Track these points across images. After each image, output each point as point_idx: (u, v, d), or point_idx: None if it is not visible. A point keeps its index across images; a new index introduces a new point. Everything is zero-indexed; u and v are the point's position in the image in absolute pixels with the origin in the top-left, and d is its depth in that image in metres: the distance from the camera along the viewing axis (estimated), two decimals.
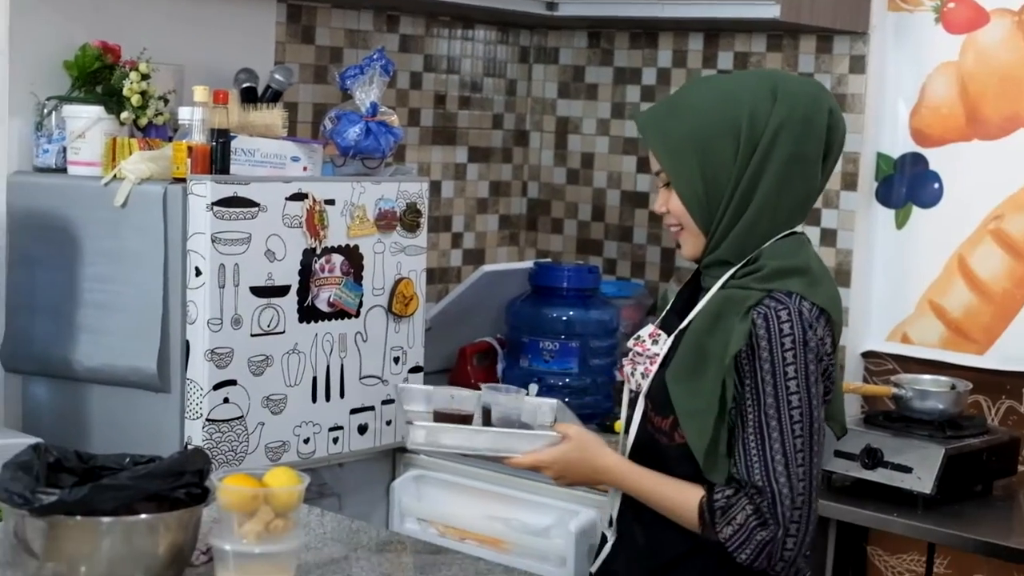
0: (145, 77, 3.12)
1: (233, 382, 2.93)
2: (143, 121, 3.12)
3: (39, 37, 3.15)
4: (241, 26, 3.56)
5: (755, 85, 2.28)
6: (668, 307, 2.44)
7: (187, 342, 2.90)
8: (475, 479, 3.27)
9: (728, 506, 2.18)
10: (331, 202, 3.11)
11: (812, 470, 2.19)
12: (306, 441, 3.10)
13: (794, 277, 2.23)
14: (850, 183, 3.82)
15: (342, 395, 3.16)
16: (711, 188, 2.26)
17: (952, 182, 3.70)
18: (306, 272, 3.05)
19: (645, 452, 2.33)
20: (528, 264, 3.82)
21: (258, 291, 2.97)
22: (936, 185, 3.73)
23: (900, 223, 3.79)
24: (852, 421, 3.39)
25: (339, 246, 3.13)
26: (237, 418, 2.95)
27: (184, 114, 3.00)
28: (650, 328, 2.38)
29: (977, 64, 3.65)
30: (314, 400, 3.11)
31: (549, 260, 4.15)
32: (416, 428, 2.38)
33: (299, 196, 3.04)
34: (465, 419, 2.51)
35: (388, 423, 3.27)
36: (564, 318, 3.65)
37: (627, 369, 2.38)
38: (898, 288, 3.79)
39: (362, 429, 3.22)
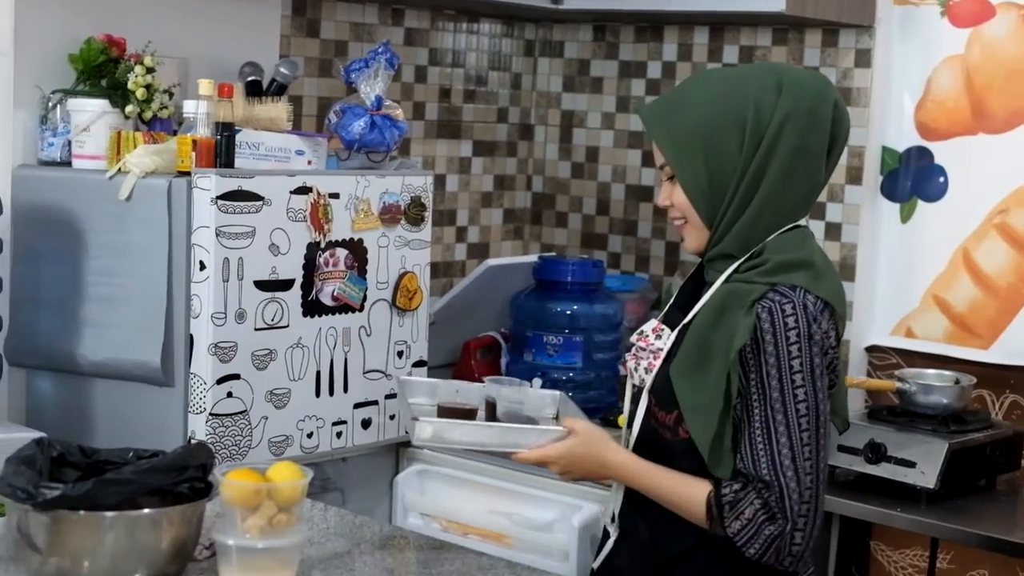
0: (150, 70, 3.12)
1: (237, 376, 2.93)
2: (148, 114, 3.12)
3: (44, 31, 3.15)
4: (246, 19, 3.56)
5: (760, 78, 2.28)
6: (671, 302, 2.44)
7: (191, 336, 2.90)
8: (478, 474, 3.27)
9: (736, 501, 2.18)
10: (335, 196, 3.11)
11: (819, 464, 2.19)
12: (309, 435, 3.10)
13: (798, 271, 2.23)
14: (855, 177, 3.82)
15: (345, 389, 3.16)
16: (715, 181, 2.25)
17: (957, 176, 3.70)
18: (310, 266, 3.06)
19: (649, 447, 2.32)
20: (532, 258, 3.82)
21: (262, 285, 2.97)
22: (941, 179, 3.73)
23: (905, 217, 3.78)
24: (856, 416, 3.40)
25: (343, 240, 3.13)
26: (240, 412, 2.95)
27: (189, 107, 3.00)
28: (653, 323, 2.38)
29: (983, 58, 3.64)
30: (317, 394, 3.11)
31: (553, 254, 4.14)
32: (423, 424, 2.37)
33: (303, 190, 3.04)
34: (469, 413, 2.51)
35: (392, 417, 3.27)
36: (568, 312, 3.65)
37: (630, 364, 2.37)
38: (902, 282, 3.78)
39: (365, 423, 3.22)
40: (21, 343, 3.11)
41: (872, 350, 3.83)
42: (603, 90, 4.33)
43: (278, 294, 3.00)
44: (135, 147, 3.00)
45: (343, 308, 3.14)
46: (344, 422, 3.18)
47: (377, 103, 3.27)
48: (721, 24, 4.05)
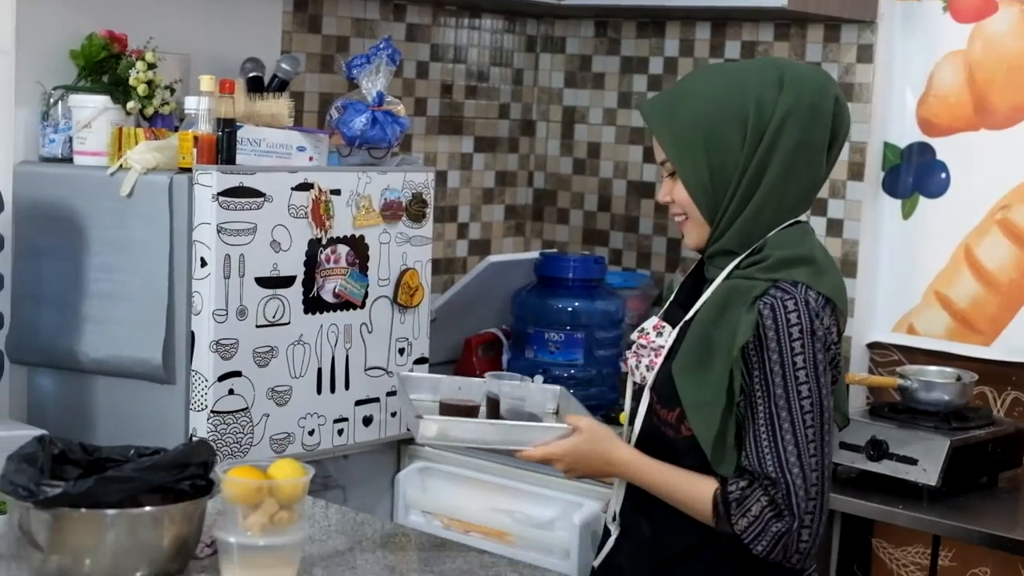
0: (151, 66, 3.12)
1: (238, 373, 2.93)
2: (149, 111, 3.12)
3: (46, 27, 3.15)
4: (248, 15, 3.56)
5: (761, 73, 2.28)
6: (671, 299, 2.43)
7: (192, 333, 2.90)
8: (480, 471, 3.27)
9: (743, 498, 2.18)
10: (337, 192, 3.10)
11: (824, 460, 2.19)
12: (311, 433, 3.10)
13: (799, 267, 2.22)
14: (857, 173, 3.81)
15: (347, 387, 3.16)
16: (717, 176, 2.25)
17: (959, 172, 3.69)
18: (311, 263, 3.05)
19: (651, 444, 2.32)
20: (534, 255, 3.82)
21: (263, 282, 2.97)
22: (943, 175, 3.72)
23: (907, 213, 3.78)
24: (857, 412, 3.40)
25: (345, 236, 3.12)
26: (242, 410, 2.95)
27: (190, 103, 3.00)
28: (654, 320, 2.38)
29: (985, 53, 3.64)
30: (319, 392, 3.11)
31: (555, 251, 4.14)
32: (427, 422, 2.36)
33: (305, 186, 3.03)
34: (472, 410, 2.51)
35: (393, 415, 3.27)
36: (570, 309, 3.65)
37: (631, 362, 2.37)
38: (904, 279, 3.78)
39: (367, 421, 3.22)
40: (22, 340, 3.10)
41: (874, 347, 3.83)
42: (605, 86, 4.33)
43: (279, 291, 3.00)
44: (136, 143, 3.00)
45: (344, 305, 3.14)
46: (345, 419, 3.18)
47: (379, 99, 3.27)
48: (723, 19, 4.04)
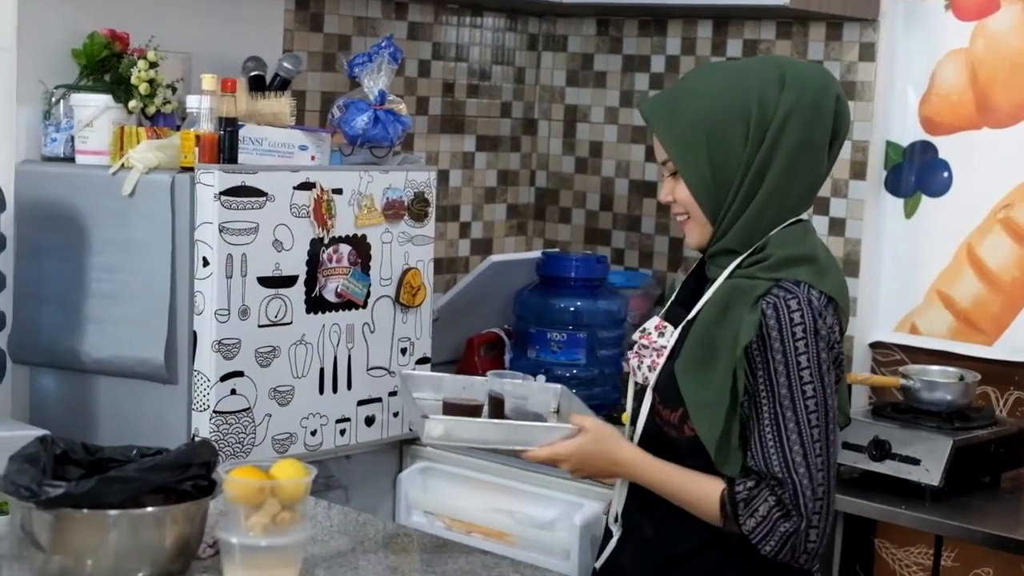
0: (153, 65, 3.12)
1: (240, 373, 2.93)
2: (151, 110, 3.12)
3: (47, 26, 3.15)
4: (249, 14, 3.55)
5: (763, 71, 2.28)
6: (672, 298, 2.43)
7: (194, 333, 2.90)
8: (481, 471, 3.27)
9: (750, 498, 2.17)
10: (339, 191, 3.10)
11: (830, 460, 2.19)
12: (313, 433, 3.10)
13: (802, 265, 2.22)
14: (859, 172, 3.81)
15: (349, 386, 3.16)
16: (719, 175, 2.25)
17: (961, 171, 3.69)
18: (313, 262, 3.05)
19: (653, 445, 2.32)
20: (536, 254, 3.82)
21: (265, 281, 2.96)
22: (945, 174, 3.72)
23: (909, 212, 3.78)
24: (860, 413, 3.40)
25: (347, 236, 3.12)
26: (244, 410, 2.95)
27: (192, 102, 3.00)
28: (656, 320, 2.37)
29: (987, 51, 3.64)
30: (321, 392, 3.10)
31: (557, 250, 4.14)
32: (433, 422, 2.34)
33: (307, 185, 3.03)
34: (475, 409, 2.51)
35: (395, 415, 3.26)
36: (572, 308, 3.65)
37: (633, 362, 2.37)
38: (907, 278, 3.78)
39: (369, 421, 3.22)
40: (24, 340, 3.10)
41: (876, 346, 3.83)
42: (606, 84, 4.32)
43: (281, 290, 3.00)
44: (138, 142, 3.00)
45: (346, 305, 3.13)
46: (348, 419, 3.17)
47: (380, 98, 3.27)
48: (725, 18, 4.04)
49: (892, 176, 3.80)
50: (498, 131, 4.34)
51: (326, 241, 3.07)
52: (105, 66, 3.16)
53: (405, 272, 3.25)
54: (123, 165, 2.98)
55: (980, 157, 3.65)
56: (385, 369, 3.24)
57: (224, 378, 2.90)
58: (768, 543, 2.17)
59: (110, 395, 3.03)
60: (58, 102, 3.14)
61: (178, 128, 3.07)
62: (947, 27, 3.69)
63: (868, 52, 3.79)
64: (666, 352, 2.31)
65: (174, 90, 3.17)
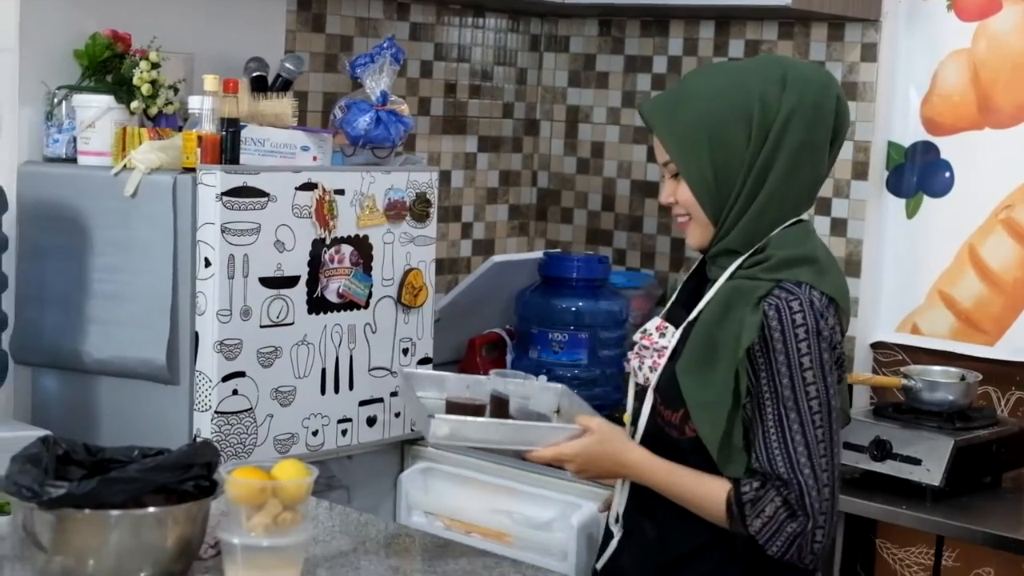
0: (155, 66, 3.12)
1: (242, 374, 2.93)
2: (153, 110, 3.12)
3: (49, 26, 3.15)
4: (251, 14, 3.56)
5: (764, 71, 2.28)
6: (673, 299, 2.43)
7: (196, 333, 2.90)
8: (481, 472, 3.27)
9: (756, 499, 2.17)
10: (340, 192, 3.10)
11: (834, 460, 2.19)
12: (315, 433, 3.10)
13: (802, 266, 2.23)
14: (861, 172, 3.81)
15: (351, 387, 3.16)
16: (721, 176, 2.25)
17: (963, 171, 3.69)
18: (315, 263, 3.05)
19: (654, 446, 2.31)
20: (538, 254, 3.82)
21: (267, 282, 2.96)
22: (947, 174, 3.72)
23: (911, 212, 3.78)
24: (861, 413, 3.40)
25: (348, 236, 3.12)
26: (246, 410, 2.95)
27: (194, 103, 3.00)
28: (657, 321, 2.37)
29: (989, 52, 3.64)
30: (323, 392, 3.11)
31: (559, 250, 4.14)
32: (439, 421, 2.33)
33: (309, 186, 3.03)
34: (478, 409, 2.50)
35: (397, 415, 3.26)
36: (573, 309, 3.65)
37: (633, 363, 2.37)
38: (908, 278, 3.78)
39: (371, 421, 3.22)
40: (26, 341, 3.10)
41: (877, 346, 3.82)
42: (608, 85, 4.32)
43: (283, 291, 3.00)
44: (140, 143, 3.00)
45: (348, 305, 3.14)
46: (349, 420, 3.17)
47: (382, 98, 3.27)
48: (726, 18, 4.04)
49: (894, 176, 3.80)
50: (500, 132, 4.34)
51: (328, 242, 3.07)
52: (107, 67, 3.16)
53: (407, 272, 3.25)
54: (125, 166, 2.98)
55: (982, 157, 3.65)
56: (387, 370, 3.24)
57: (226, 378, 2.91)
58: (775, 543, 2.17)
59: (112, 396, 3.03)
60: (60, 103, 3.14)
61: (180, 129, 3.08)
62: (949, 27, 3.69)
63: (870, 52, 3.79)
64: (667, 353, 2.31)
65: (176, 91, 3.17)
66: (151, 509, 2.09)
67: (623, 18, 4.27)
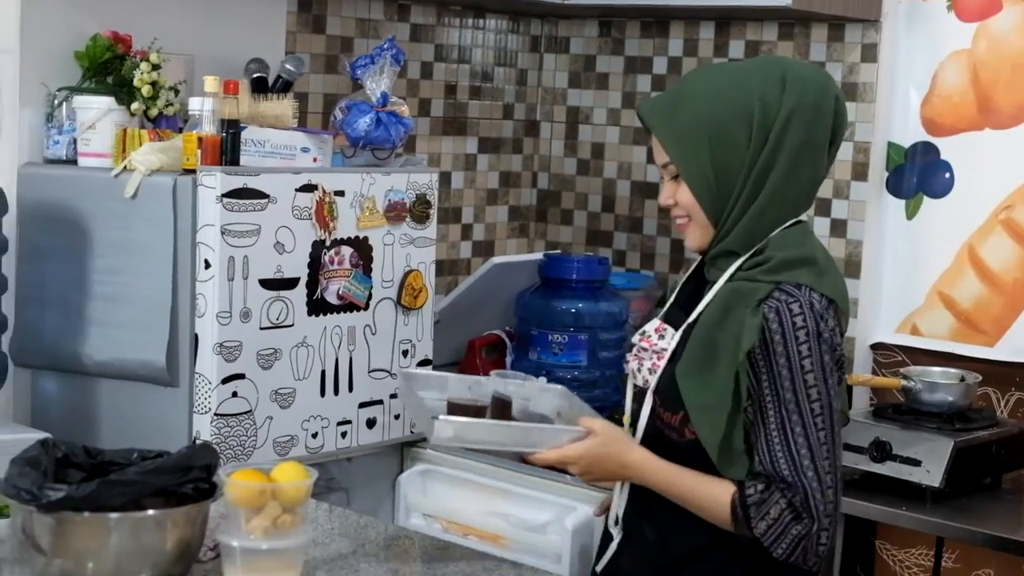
0: (156, 67, 3.12)
1: (242, 376, 2.93)
2: (153, 112, 3.12)
3: (50, 28, 3.15)
4: (252, 16, 3.56)
5: (764, 72, 2.28)
6: (671, 301, 2.43)
7: (196, 335, 2.90)
8: (480, 474, 3.26)
9: (761, 501, 2.17)
10: (340, 193, 3.10)
11: (836, 462, 2.19)
12: (314, 435, 3.10)
13: (802, 268, 2.22)
14: (860, 173, 3.81)
15: (351, 389, 3.16)
16: (722, 177, 2.25)
17: (963, 172, 3.69)
18: (315, 264, 3.05)
19: (654, 448, 2.31)
20: (538, 256, 3.82)
21: (267, 284, 2.97)
22: (947, 175, 3.72)
23: (911, 213, 3.78)
24: (861, 414, 3.40)
25: (348, 238, 3.12)
26: (245, 412, 2.95)
27: (194, 104, 3.00)
28: (656, 323, 2.37)
29: (989, 52, 3.64)
30: (323, 394, 3.11)
31: (559, 252, 4.14)
32: (443, 423, 2.32)
33: (309, 187, 3.03)
34: (480, 410, 2.50)
35: (396, 417, 3.27)
36: (573, 310, 3.65)
37: (632, 365, 2.37)
38: (908, 279, 3.78)
39: (370, 423, 3.22)
40: (26, 343, 3.10)
41: (877, 347, 3.83)
42: (609, 86, 4.32)
43: (283, 293, 3.00)
44: (140, 145, 3.00)
45: (348, 307, 3.14)
46: (349, 422, 3.18)
47: (383, 100, 3.27)
48: (727, 19, 4.04)
49: (893, 177, 3.80)
50: (500, 133, 4.34)
51: (328, 243, 3.08)
52: (108, 68, 3.16)
53: (407, 274, 3.26)
54: (125, 167, 2.98)
55: (982, 158, 3.65)
56: (387, 371, 3.24)
57: (225, 380, 2.91)
58: (780, 546, 2.17)
59: (111, 398, 3.03)
60: (60, 104, 3.14)
61: (180, 130, 3.08)
62: (949, 28, 3.69)
63: (870, 53, 3.79)
64: (667, 355, 2.30)
65: (176, 92, 3.18)
66: (150, 512, 2.09)
67: (623, 19, 4.27)
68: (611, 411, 3.42)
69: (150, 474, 2.12)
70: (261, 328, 2.96)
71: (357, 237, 3.14)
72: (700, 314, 2.28)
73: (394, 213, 3.23)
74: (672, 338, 2.32)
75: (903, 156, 3.78)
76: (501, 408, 2.51)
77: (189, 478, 2.15)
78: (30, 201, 3.11)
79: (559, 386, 2.62)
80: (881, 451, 3.20)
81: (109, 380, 3.03)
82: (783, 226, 2.27)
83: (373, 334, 3.20)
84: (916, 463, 3.15)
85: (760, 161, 2.23)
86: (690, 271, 2.43)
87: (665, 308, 2.42)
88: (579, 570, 3.01)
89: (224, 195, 2.87)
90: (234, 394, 2.92)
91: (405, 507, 3.31)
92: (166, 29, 3.25)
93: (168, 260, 2.91)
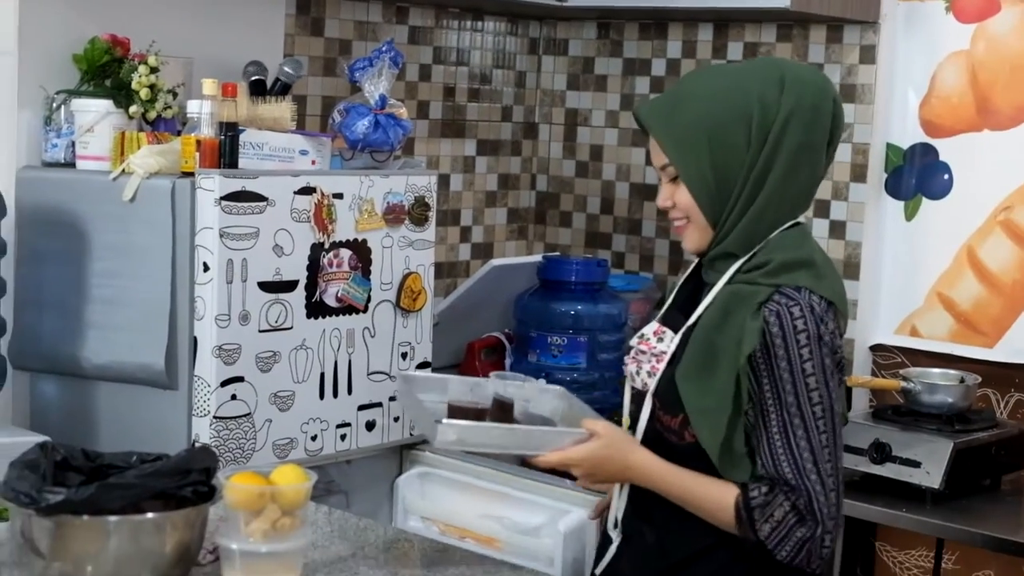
0: (154, 70, 3.12)
1: (241, 379, 2.93)
2: (152, 115, 3.12)
3: (48, 30, 3.15)
4: (250, 18, 3.56)
5: (762, 73, 2.28)
6: (668, 303, 2.42)
7: (195, 338, 2.90)
8: (478, 477, 3.25)
9: (766, 503, 2.17)
10: (339, 196, 3.10)
11: (838, 464, 2.19)
12: (313, 438, 3.10)
13: (801, 270, 2.22)
14: (859, 174, 3.81)
15: (350, 391, 3.16)
16: (721, 178, 2.25)
17: (962, 173, 3.69)
18: (314, 267, 3.05)
19: (653, 451, 2.30)
20: (536, 258, 3.83)
21: (266, 286, 2.96)
22: (946, 176, 3.72)
23: (909, 215, 3.78)
24: (860, 415, 3.40)
25: (347, 240, 3.12)
26: (245, 415, 2.95)
27: (193, 107, 2.99)
28: (654, 326, 2.37)
29: (988, 53, 3.64)
30: (322, 396, 3.10)
31: (557, 254, 4.14)
32: (447, 427, 2.31)
33: (307, 190, 3.03)
34: (481, 413, 2.49)
35: (396, 419, 3.26)
36: (572, 312, 3.65)
37: (631, 368, 2.36)
38: (907, 280, 3.78)
39: (370, 426, 3.22)
40: (25, 346, 3.10)
41: (876, 349, 3.83)
42: (607, 88, 4.32)
43: (282, 295, 3.00)
44: (139, 148, 3.00)
45: (347, 309, 3.13)
46: (348, 424, 3.17)
47: (381, 102, 3.27)
48: (725, 21, 4.04)
49: (892, 179, 3.80)
50: (499, 135, 4.34)
51: (326, 246, 3.07)
52: (106, 71, 3.16)
53: (406, 276, 3.25)
54: (124, 170, 2.98)
55: (980, 159, 3.65)
56: (386, 374, 3.24)
57: (224, 383, 2.91)
58: (784, 548, 2.17)
59: (110, 401, 3.03)
60: (59, 107, 3.14)
61: (179, 133, 3.08)
62: (947, 29, 3.69)
63: (868, 54, 3.79)
64: (666, 357, 2.30)
65: (175, 95, 3.17)
66: (149, 515, 2.08)
67: (621, 21, 4.27)
68: (610, 413, 3.42)
69: (149, 477, 2.12)
70: (260, 331, 2.96)
71: (356, 240, 3.14)
72: (699, 317, 2.28)
73: (393, 215, 3.23)
74: (671, 341, 2.31)
75: (902, 157, 3.78)
76: (502, 410, 2.50)
77: (188, 481, 2.15)
78: (28, 204, 3.11)
79: (558, 387, 2.62)
80: (881, 453, 3.20)
81: (108, 383, 3.02)
82: (781, 228, 2.27)
83: (372, 336, 3.20)
84: (916, 464, 3.15)
85: (759, 162, 2.23)
86: (687, 273, 2.43)
87: (663, 310, 2.41)
88: (572, 573, 3.01)
89: (222, 198, 2.87)
90: (233, 397, 2.92)
91: (403, 510, 3.30)
92: (164, 32, 3.25)
93: (167, 263, 2.91)
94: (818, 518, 2.16)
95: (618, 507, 2.39)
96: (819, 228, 3.82)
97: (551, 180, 4.45)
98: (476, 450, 2.49)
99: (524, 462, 3.04)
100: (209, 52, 3.38)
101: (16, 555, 2.12)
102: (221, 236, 2.87)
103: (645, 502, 2.31)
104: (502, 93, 4.34)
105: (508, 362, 3.75)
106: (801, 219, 2.32)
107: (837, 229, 3.84)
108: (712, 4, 3.69)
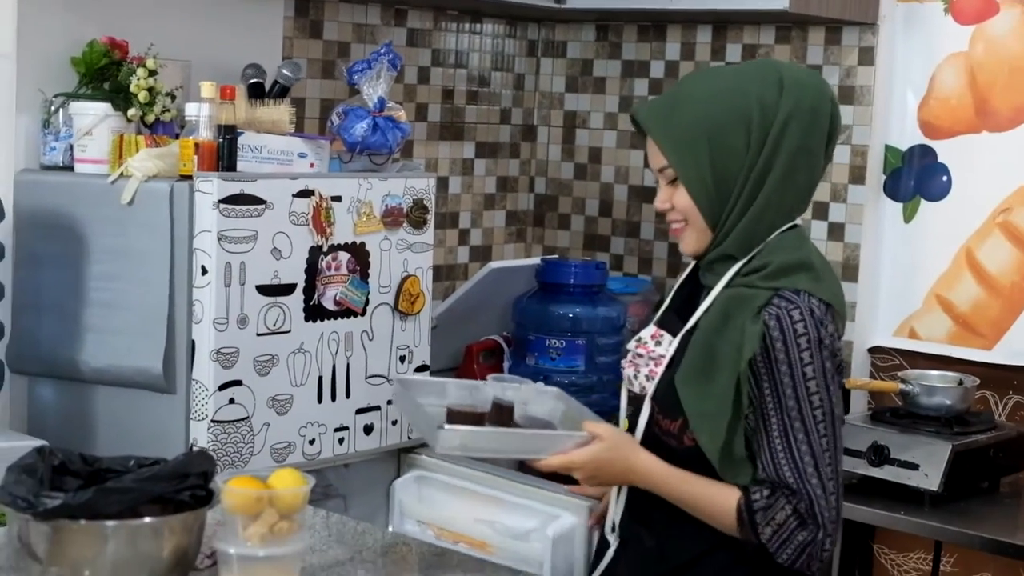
0: (152, 73, 3.11)
1: (239, 382, 2.92)
2: (150, 118, 3.12)
3: (46, 34, 3.15)
4: (248, 21, 3.56)
5: (761, 75, 2.28)
6: (665, 306, 2.42)
7: (193, 342, 2.90)
8: (474, 481, 3.23)
9: (767, 507, 2.17)
10: (337, 199, 3.10)
11: (839, 468, 2.19)
12: (311, 442, 3.10)
13: (800, 273, 2.23)
14: (858, 176, 3.81)
15: (348, 395, 3.16)
16: (720, 180, 2.25)
17: (961, 175, 3.69)
18: (312, 270, 3.05)
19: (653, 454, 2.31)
20: (535, 261, 3.82)
21: (264, 290, 2.96)
22: (944, 178, 3.72)
23: (908, 217, 3.78)
24: (859, 418, 3.40)
25: (345, 243, 3.12)
26: (242, 419, 2.94)
27: (191, 110, 2.99)
28: (652, 329, 2.37)
29: (986, 55, 3.64)
30: (320, 400, 3.10)
31: (556, 256, 4.14)
32: (449, 432, 2.31)
33: (305, 193, 3.03)
34: (480, 417, 2.49)
35: (394, 423, 3.26)
36: (571, 315, 3.65)
37: (628, 371, 2.36)
38: (905, 282, 3.78)
39: (368, 429, 3.22)
40: (23, 350, 3.10)
41: (875, 351, 3.82)
42: (606, 90, 4.32)
43: (280, 299, 3.00)
44: (137, 151, 2.99)
45: (345, 312, 3.13)
46: (346, 428, 3.17)
47: (380, 105, 3.27)
48: (724, 23, 4.04)
49: (891, 180, 3.80)
50: (497, 137, 4.34)
51: (325, 249, 3.07)
52: (104, 74, 3.15)
53: (404, 279, 3.25)
54: (122, 173, 2.97)
55: (979, 161, 3.65)
56: (384, 377, 3.23)
57: (222, 387, 2.90)
58: (785, 551, 2.17)
59: (108, 405, 3.03)
60: (57, 110, 3.14)
61: (177, 136, 3.07)
62: (946, 31, 3.69)
63: (867, 56, 3.79)
64: (665, 361, 2.30)
65: (173, 98, 3.17)
66: (147, 519, 2.08)
67: (620, 23, 4.27)
68: (609, 416, 3.42)
69: (147, 481, 2.12)
70: (258, 334, 2.95)
71: (354, 243, 3.14)
72: (698, 321, 2.28)
73: (391, 218, 3.22)
74: (669, 344, 2.31)
75: (900, 159, 3.78)
76: (501, 413, 2.50)
77: (186, 485, 2.15)
78: (26, 208, 3.10)
79: (555, 388, 2.62)
80: (879, 455, 3.20)
81: (106, 387, 3.02)
82: (779, 230, 2.27)
83: (370, 340, 3.19)
84: (914, 467, 3.15)
85: (759, 164, 2.23)
86: (684, 275, 2.43)
87: (660, 313, 2.41)
88: None
89: (221, 201, 2.87)
90: (231, 401, 2.92)
91: (400, 513, 3.30)
92: (163, 35, 3.25)
93: (165, 266, 2.91)
94: (819, 522, 2.16)
95: (616, 511, 2.38)
96: (818, 230, 3.82)
97: (550, 182, 4.45)
98: (478, 455, 2.48)
99: (525, 465, 3.04)
100: (207, 55, 3.38)
101: (13, 560, 2.12)
102: (219, 239, 2.87)
103: (643, 506, 2.31)
104: (500, 95, 4.34)
105: (506, 365, 3.75)
106: (798, 221, 2.32)
107: (836, 231, 3.84)
108: (711, 5, 3.70)
